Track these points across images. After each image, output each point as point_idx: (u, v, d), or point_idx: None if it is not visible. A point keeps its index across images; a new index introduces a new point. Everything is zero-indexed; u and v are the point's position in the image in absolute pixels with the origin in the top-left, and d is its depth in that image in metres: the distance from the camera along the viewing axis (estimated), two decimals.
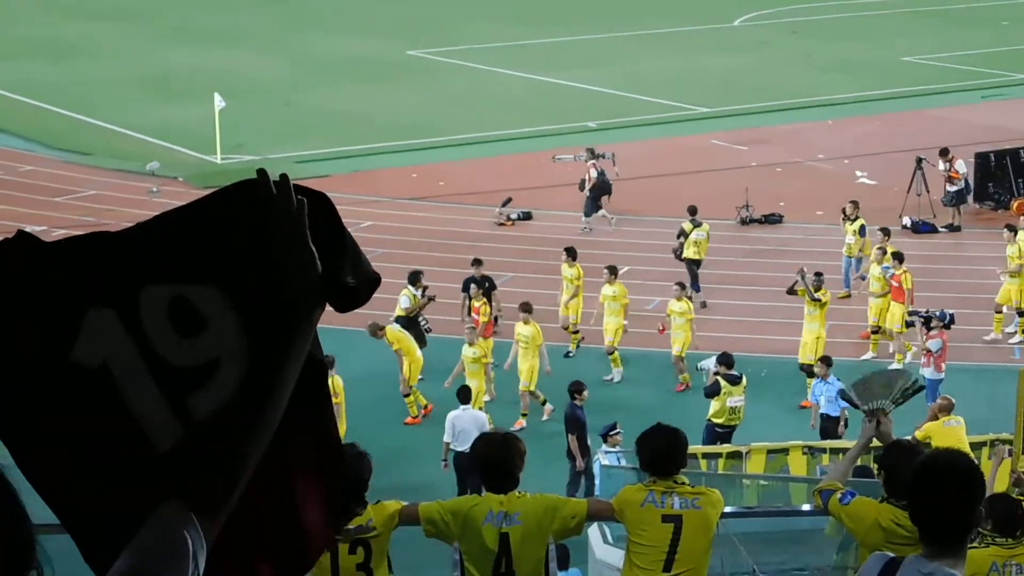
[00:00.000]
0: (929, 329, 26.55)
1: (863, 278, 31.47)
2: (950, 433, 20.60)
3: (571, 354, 29.80)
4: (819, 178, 42.33)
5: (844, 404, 24.57)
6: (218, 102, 41.80)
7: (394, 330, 26.88)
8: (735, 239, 36.63)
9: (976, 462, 5.59)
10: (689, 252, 32.59)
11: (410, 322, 28.54)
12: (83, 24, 66.90)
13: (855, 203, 33.54)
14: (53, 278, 3.10)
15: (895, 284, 29.22)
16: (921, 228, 37.33)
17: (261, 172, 3.12)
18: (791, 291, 28.28)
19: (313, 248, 3.08)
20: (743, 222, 37.74)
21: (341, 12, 70.02)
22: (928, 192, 37.83)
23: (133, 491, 3.06)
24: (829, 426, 24.89)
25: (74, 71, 56.85)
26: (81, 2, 72.62)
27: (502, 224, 37.97)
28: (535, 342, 26.78)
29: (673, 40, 63.56)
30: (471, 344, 26.28)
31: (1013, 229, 31.11)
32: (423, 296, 28.91)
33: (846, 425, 24.68)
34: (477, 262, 30.03)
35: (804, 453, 22.95)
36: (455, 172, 42.54)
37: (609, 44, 62.49)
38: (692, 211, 33.25)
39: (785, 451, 23.22)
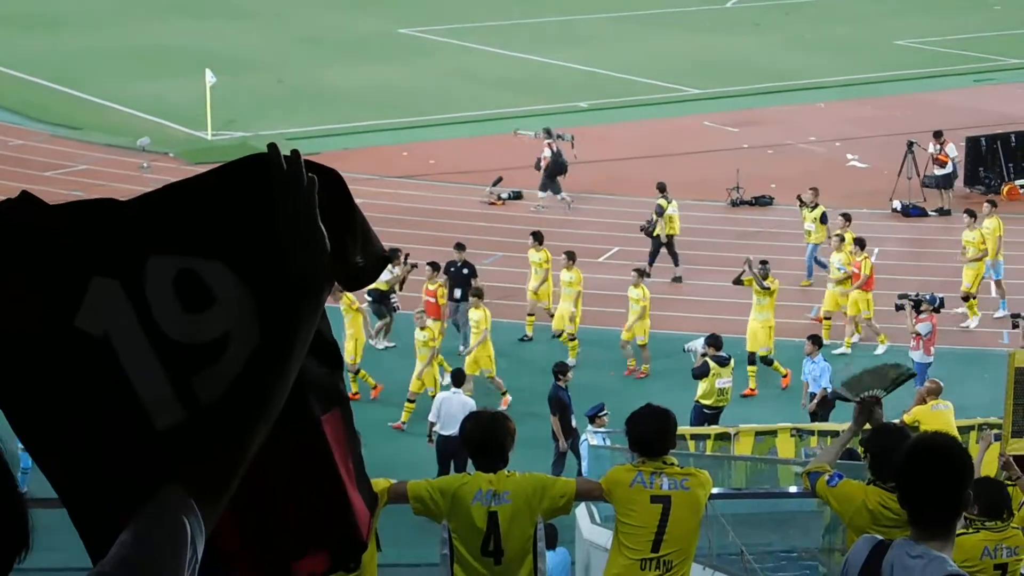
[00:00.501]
0: (919, 312, 26.57)
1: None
2: (938, 417, 20.62)
3: (557, 336, 29.58)
4: (810, 161, 42.33)
5: (824, 384, 24.69)
6: (209, 78, 41.76)
7: (352, 296, 26.17)
8: (725, 220, 36.67)
9: (964, 446, 5.61)
10: (667, 228, 32.83)
11: (382, 296, 28.63)
12: None
13: (815, 190, 33.24)
14: (58, 240, 3.02)
15: (856, 271, 29.21)
16: (911, 212, 37.38)
17: (272, 147, 3.05)
18: (738, 281, 28.10)
19: (323, 227, 3.00)
20: (733, 204, 37.78)
21: None
22: (919, 176, 37.88)
23: (132, 469, 3.00)
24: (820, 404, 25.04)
25: (65, 45, 56.74)
26: None
27: (492, 203, 37.97)
28: (480, 326, 26.47)
29: (666, 21, 63.50)
30: (421, 328, 25.99)
31: (973, 214, 31.08)
32: (405, 263, 28.85)
33: (823, 404, 24.69)
34: (459, 247, 29.77)
35: (792, 435, 22.99)
36: (446, 151, 42.52)
37: (602, 24, 62.44)
38: (662, 188, 33.58)
39: (773, 433, 23.25)
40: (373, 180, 39.48)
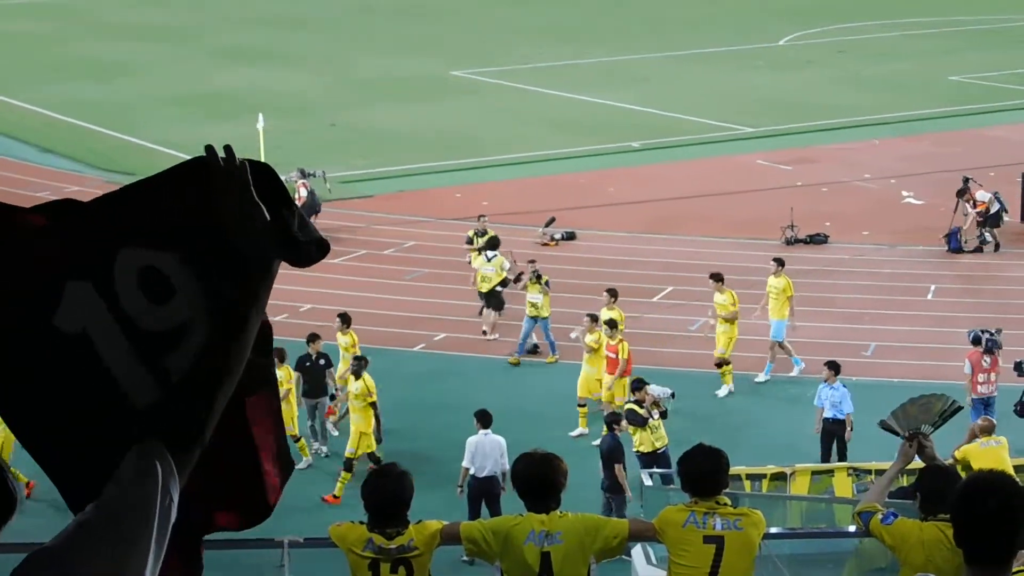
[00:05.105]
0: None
1: None
2: (988, 454, 20.42)
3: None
4: (865, 198, 42.17)
5: (850, 409, 24.60)
6: (259, 122, 41.91)
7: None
8: None
9: (1020, 483, 5.53)
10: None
11: (503, 283, 30.39)
12: (128, 44, 67.43)
13: (532, 261, 31.50)
14: (31, 244, 3.38)
15: (611, 355, 26.93)
16: (951, 244, 36.96)
17: (208, 147, 3.40)
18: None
19: (259, 201, 3.35)
20: (788, 242, 37.60)
21: (385, 33, 70.38)
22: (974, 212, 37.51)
23: (113, 444, 3.33)
24: (835, 429, 24.98)
25: (119, 91, 57.31)
26: (126, 22, 73.16)
27: (546, 244, 37.97)
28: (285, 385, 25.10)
29: (718, 60, 63.54)
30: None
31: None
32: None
33: (851, 428, 24.67)
34: (313, 338, 26.85)
35: (849, 475, 22.84)
36: (499, 192, 42.60)
37: (654, 64, 62.54)
38: (480, 216, 34.70)
39: (830, 472, 23.13)
40: (426, 222, 39.61)
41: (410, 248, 37.63)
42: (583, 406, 27.19)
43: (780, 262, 30.04)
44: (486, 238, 32.84)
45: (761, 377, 29.20)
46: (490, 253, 31.55)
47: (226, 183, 3.36)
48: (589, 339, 27.16)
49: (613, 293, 28.54)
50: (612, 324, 27.02)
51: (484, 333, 31.42)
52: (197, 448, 3.31)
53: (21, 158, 47.76)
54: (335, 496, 24.23)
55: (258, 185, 3.38)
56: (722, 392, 28.54)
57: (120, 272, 3.40)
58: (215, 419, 3.34)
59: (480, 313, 32.24)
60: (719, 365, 28.57)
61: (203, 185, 3.39)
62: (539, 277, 30.38)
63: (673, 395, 24.22)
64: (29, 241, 3.37)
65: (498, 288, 31.23)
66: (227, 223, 3.37)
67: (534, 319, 30.29)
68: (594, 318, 27.52)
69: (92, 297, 3.39)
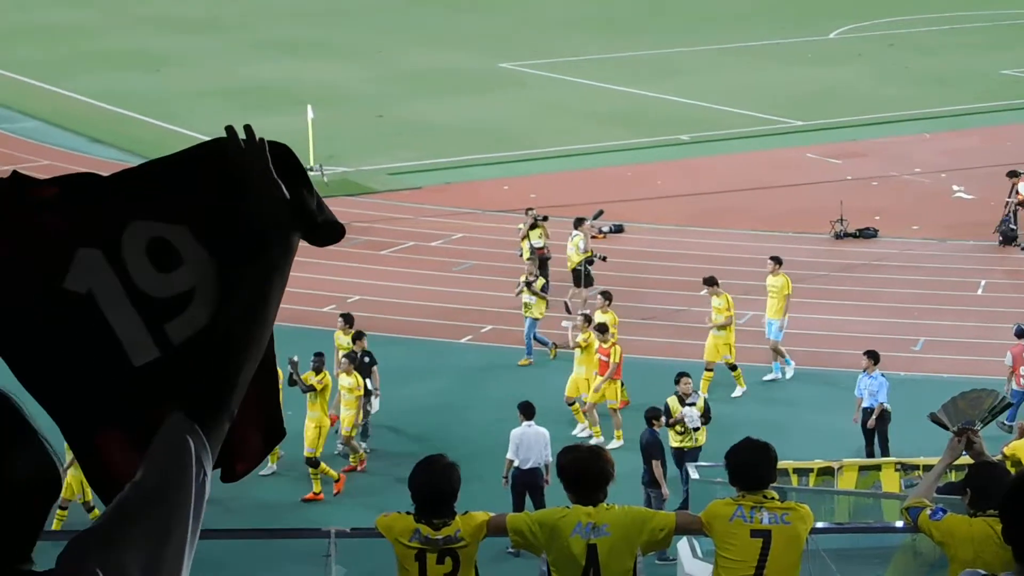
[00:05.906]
0: None
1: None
2: None
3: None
4: (915, 192, 41.95)
5: (882, 399, 24.54)
6: (309, 114, 42.06)
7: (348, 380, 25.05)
8: (829, 253, 36.38)
9: None
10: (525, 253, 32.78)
11: (588, 260, 31.03)
12: (176, 36, 67.61)
13: (531, 259, 31.41)
14: (46, 213, 3.58)
15: (603, 358, 26.22)
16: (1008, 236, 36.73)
17: (228, 128, 3.56)
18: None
19: (278, 179, 3.49)
20: (837, 236, 37.47)
21: (432, 25, 70.38)
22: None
23: (114, 395, 3.62)
24: (869, 419, 25.05)
25: (167, 82, 57.50)
26: (173, 14, 73.38)
27: (594, 237, 37.91)
28: (354, 393, 24.92)
29: (768, 53, 63.30)
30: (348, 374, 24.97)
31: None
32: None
33: (877, 417, 24.71)
34: (359, 335, 26.56)
35: (897, 470, 22.75)
36: (547, 184, 42.56)
37: (703, 57, 62.34)
38: (528, 209, 34.21)
39: (878, 467, 23.04)
40: (474, 214, 39.63)
41: (458, 240, 37.68)
42: (573, 404, 26.86)
43: (778, 260, 29.67)
44: (539, 228, 32.93)
45: (788, 373, 29.10)
46: (574, 232, 31.92)
47: (245, 161, 3.50)
48: (580, 338, 27.06)
49: (607, 296, 28.34)
50: (603, 329, 26.54)
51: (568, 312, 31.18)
52: (226, 420, 3.37)
53: (71, 148, 47.97)
54: (339, 481, 24.43)
55: (276, 165, 3.51)
56: (737, 392, 28.22)
57: (129, 241, 3.61)
58: (241, 390, 3.41)
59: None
60: (733, 368, 28.33)
61: (222, 164, 3.56)
62: (535, 278, 30.26)
63: (697, 429, 23.99)
64: (44, 210, 3.57)
65: (580, 267, 31.42)
66: (246, 199, 3.50)
67: (532, 319, 30.16)
68: (588, 319, 27.30)
69: (100, 263, 3.61)
